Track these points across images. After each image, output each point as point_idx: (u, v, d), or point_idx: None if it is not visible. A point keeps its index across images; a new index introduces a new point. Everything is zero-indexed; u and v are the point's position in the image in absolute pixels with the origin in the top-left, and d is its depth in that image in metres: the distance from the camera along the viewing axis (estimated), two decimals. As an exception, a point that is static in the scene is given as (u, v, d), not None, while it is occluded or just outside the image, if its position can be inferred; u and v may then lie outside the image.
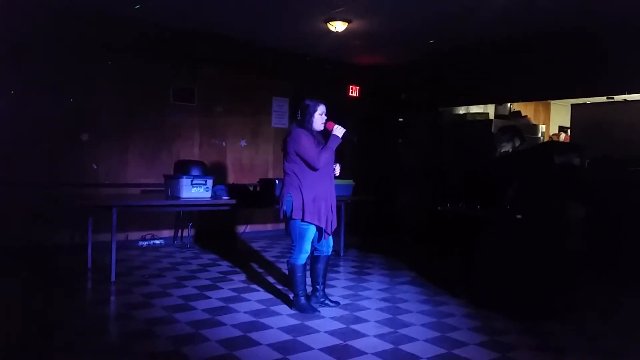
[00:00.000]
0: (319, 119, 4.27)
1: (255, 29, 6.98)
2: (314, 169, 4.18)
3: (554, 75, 6.86)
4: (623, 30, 6.09)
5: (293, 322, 4.07)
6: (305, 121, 4.27)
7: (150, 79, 7.09)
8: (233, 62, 7.75)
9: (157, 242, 7.23)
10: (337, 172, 4.47)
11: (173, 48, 7.18)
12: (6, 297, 4.64)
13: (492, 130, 7.30)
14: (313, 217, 4.19)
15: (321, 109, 4.29)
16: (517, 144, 5.28)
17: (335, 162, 4.43)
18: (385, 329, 3.96)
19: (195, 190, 5.67)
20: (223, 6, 6.02)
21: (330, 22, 6.38)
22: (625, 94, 6.58)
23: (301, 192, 4.18)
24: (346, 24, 6.40)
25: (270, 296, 4.78)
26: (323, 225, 4.24)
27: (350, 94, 8.95)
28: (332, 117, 4.38)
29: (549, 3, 5.45)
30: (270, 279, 5.42)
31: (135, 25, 6.61)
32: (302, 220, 4.18)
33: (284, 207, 4.26)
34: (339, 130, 4.26)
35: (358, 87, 9.00)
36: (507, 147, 5.28)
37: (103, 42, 6.55)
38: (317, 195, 4.20)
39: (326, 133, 4.31)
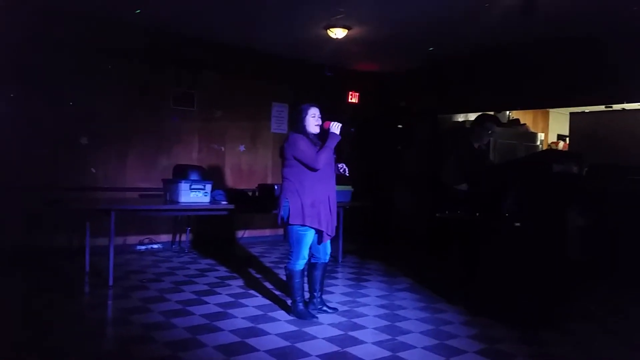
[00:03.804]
0: (311, 121, 4.26)
1: (255, 35, 7.00)
2: (314, 169, 4.16)
3: (554, 84, 6.89)
4: (623, 38, 6.11)
5: (291, 328, 4.06)
6: (298, 125, 4.28)
7: (150, 83, 7.10)
8: (233, 67, 7.77)
9: (155, 246, 7.22)
10: (347, 172, 4.46)
11: (173, 53, 7.19)
12: (3, 300, 4.63)
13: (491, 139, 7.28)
14: (313, 221, 4.17)
15: (312, 111, 4.28)
16: (490, 131, 5.30)
17: (340, 162, 4.44)
18: (384, 336, 3.95)
19: (193, 195, 5.67)
20: (223, 12, 6.04)
21: (331, 29, 6.39)
22: (624, 102, 6.61)
23: (299, 197, 4.17)
24: (346, 30, 6.42)
25: (268, 302, 4.77)
26: (323, 229, 4.22)
27: (349, 100, 8.97)
28: (332, 119, 4.37)
29: (549, 11, 5.47)
30: (268, 285, 5.40)
31: (136, 30, 6.63)
32: (302, 225, 4.18)
33: (282, 213, 4.25)
34: (336, 127, 4.23)
35: (357, 94, 9.03)
36: (480, 138, 5.29)
37: (103, 46, 6.56)
38: (316, 199, 4.19)
39: (323, 135, 4.30)
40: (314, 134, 4.29)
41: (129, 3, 5.80)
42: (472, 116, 8.56)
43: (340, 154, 4.52)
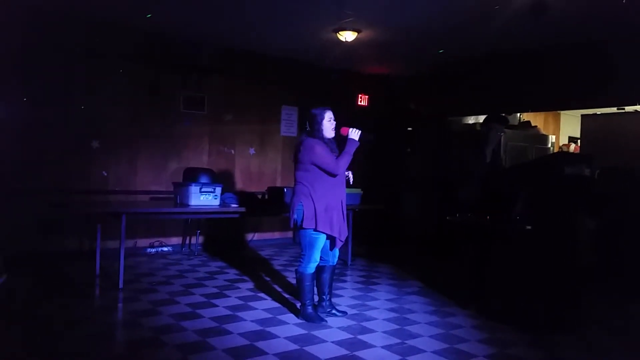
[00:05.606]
0: (328, 125, 4.26)
1: (265, 39, 7.02)
2: (333, 175, 4.17)
3: (564, 86, 6.84)
4: (634, 40, 6.06)
5: (300, 331, 4.06)
6: (314, 130, 4.25)
7: (160, 87, 7.13)
8: (243, 70, 7.80)
9: (165, 249, 7.25)
10: (351, 179, 4.46)
11: (183, 57, 7.23)
12: (14, 303, 4.67)
13: (502, 140, 7.24)
14: (325, 227, 4.17)
15: (328, 115, 4.27)
16: (500, 133, 5.27)
17: (347, 169, 4.43)
18: (393, 340, 3.94)
19: (204, 198, 5.69)
20: (234, 16, 6.06)
21: (340, 32, 6.40)
22: (636, 104, 6.54)
23: (313, 202, 4.16)
24: (356, 33, 6.42)
25: (277, 305, 4.77)
26: (336, 235, 4.23)
27: (359, 103, 8.97)
28: (344, 123, 4.38)
29: (559, 14, 5.43)
30: (278, 288, 5.41)
31: (146, 34, 6.69)
32: (315, 230, 4.17)
33: (295, 216, 4.24)
34: (355, 134, 4.25)
35: (367, 97, 9.02)
36: (491, 142, 5.27)
37: (114, 50, 6.61)
38: (329, 205, 4.19)
39: (338, 139, 4.31)
40: (329, 138, 4.30)
41: (140, 7, 5.84)
42: (481, 118, 8.54)
43: (355, 161, 4.51)
